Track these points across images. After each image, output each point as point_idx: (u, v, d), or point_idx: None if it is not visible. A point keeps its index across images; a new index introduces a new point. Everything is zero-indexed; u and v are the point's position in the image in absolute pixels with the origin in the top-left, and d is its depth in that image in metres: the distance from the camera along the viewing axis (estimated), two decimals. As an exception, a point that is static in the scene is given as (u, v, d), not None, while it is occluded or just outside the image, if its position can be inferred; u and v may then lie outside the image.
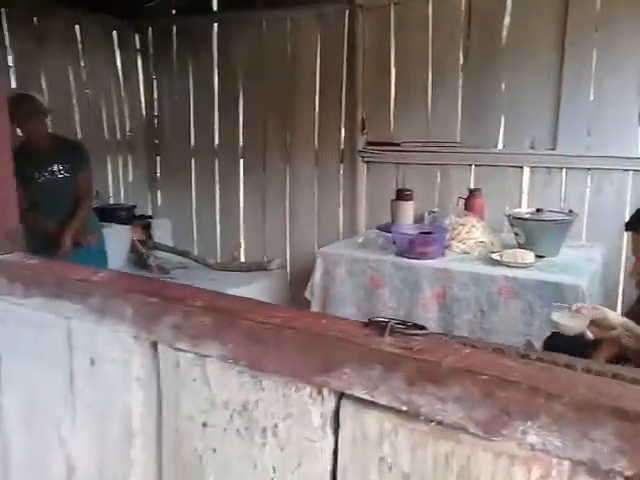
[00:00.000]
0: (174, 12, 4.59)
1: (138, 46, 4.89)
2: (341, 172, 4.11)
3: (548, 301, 2.38)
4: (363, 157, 3.91)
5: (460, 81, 3.56)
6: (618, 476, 0.37)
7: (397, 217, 3.25)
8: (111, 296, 0.60)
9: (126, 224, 3.97)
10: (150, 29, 4.77)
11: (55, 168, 2.88)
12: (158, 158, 5.08)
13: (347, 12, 3.83)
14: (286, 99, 4.19)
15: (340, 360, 0.46)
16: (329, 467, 0.48)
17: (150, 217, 4.52)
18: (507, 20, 3.36)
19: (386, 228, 3.27)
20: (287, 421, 0.49)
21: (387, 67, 3.72)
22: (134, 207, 4.32)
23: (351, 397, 0.46)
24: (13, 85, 3.99)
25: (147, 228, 4.16)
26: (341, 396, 0.47)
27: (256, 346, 0.51)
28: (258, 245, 4.50)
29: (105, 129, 4.74)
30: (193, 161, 4.80)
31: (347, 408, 0.47)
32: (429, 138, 3.68)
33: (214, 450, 0.55)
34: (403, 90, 3.75)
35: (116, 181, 4.86)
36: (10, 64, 3.98)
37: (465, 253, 2.90)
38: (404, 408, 0.43)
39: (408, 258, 2.83)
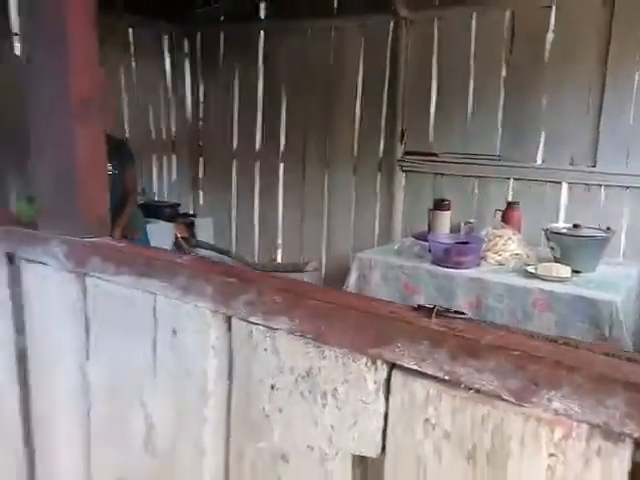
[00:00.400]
0: (222, 19, 4.76)
1: (187, 50, 5.08)
2: (378, 180, 4.19)
3: (582, 315, 2.41)
4: (401, 166, 3.99)
5: (502, 95, 3.61)
6: (627, 437, 0.45)
7: (434, 226, 3.31)
8: (194, 276, 0.70)
9: (170, 221, 4.13)
10: (199, 34, 4.95)
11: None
12: (201, 159, 5.26)
13: (391, 24, 3.92)
14: (327, 107, 4.29)
15: (393, 335, 0.54)
16: (380, 426, 0.56)
17: (193, 215, 4.68)
18: (550, 36, 3.39)
19: (422, 236, 3.33)
20: (345, 386, 0.58)
21: (428, 79, 3.80)
22: (178, 205, 4.49)
23: (401, 367, 0.55)
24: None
25: (190, 226, 4.31)
26: (392, 366, 0.55)
27: (320, 322, 0.60)
28: (295, 247, 4.61)
29: (152, 130, 4.94)
30: (235, 163, 4.95)
31: (397, 377, 0.55)
32: (468, 150, 3.74)
33: (280, 410, 0.64)
34: (443, 102, 3.81)
35: (161, 180, 5.05)
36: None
37: (500, 265, 2.94)
38: (447, 377, 0.52)
39: (444, 267, 2.88)
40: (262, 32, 4.51)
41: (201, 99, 5.10)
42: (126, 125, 4.63)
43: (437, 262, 2.93)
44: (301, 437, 0.63)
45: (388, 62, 3.95)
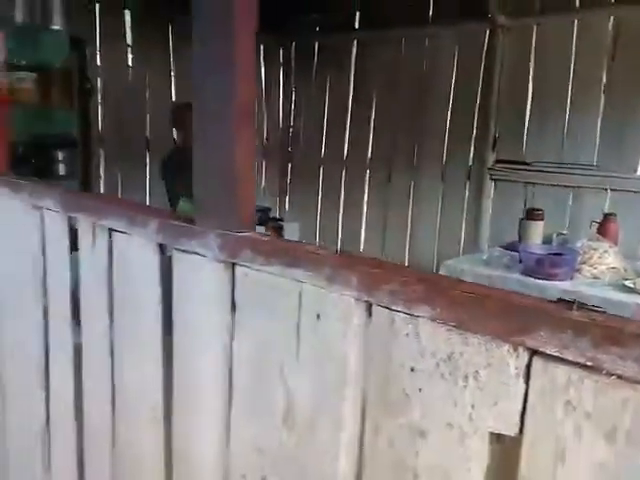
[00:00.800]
0: (317, 29, 4.92)
1: (281, 60, 5.29)
2: (467, 188, 4.17)
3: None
4: (491, 175, 3.96)
5: (601, 102, 3.51)
6: None
7: (525, 236, 3.27)
8: (339, 267, 0.79)
9: (261, 224, 4.32)
10: (294, 44, 5.14)
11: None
12: (289, 165, 5.44)
13: (487, 31, 3.91)
14: (417, 115, 4.33)
15: (536, 325, 0.60)
16: (520, 407, 0.62)
17: (281, 220, 4.86)
18: (656, 42, 3.27)
19: (512, 247, 3.29)
20: (487, 369, 0.64)
21: (524, 86, 3.75)
22: (269, 209, 4.67)
23: (542, 354, 0.60)
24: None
25: (279, 230, 4.48)
26: (534, 353, 0.61)
27: (462, 311, 0.66)
28: (377, 253, 4.67)
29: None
30: (322, 170, 5.08)
31: (538, 362, 0.61)
32: (563, 159, 3.66)
33: (420, 390, 0.71)
34: (539, 109, 3.76)
35: (251, 184, 5.28)
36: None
37: (596, 278, 2.86)
38: (589, 364, 0.57)
39: (535, 278, 2.84)
40: (355, 42, 4.62)
41: (292, 107, 5.29)
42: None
43: (528, 273, 2.90)
44: (440, 415, 0.69)
45: (482, 69, 3.94)
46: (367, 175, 4.79)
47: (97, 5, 3.96)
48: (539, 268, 2.89)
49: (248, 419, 0.95)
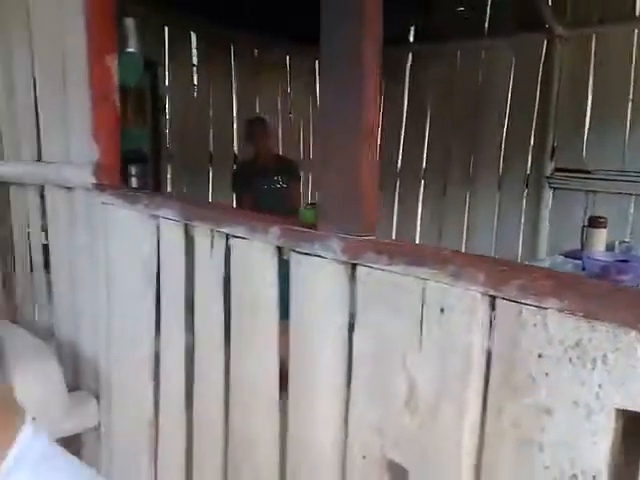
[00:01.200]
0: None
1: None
2: (524, 197, 4.20)
3: None
4: (550, 183, 3.98)
5: (664, 110, 3.50)
6: None
7: (588, 244, 3.27)
8: (465, 265, 0.88)
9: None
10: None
11: (276, 180, 3.40)
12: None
13: (544, 42, 3.95)
14: (473, 125, 4.39)
15: (662, 313, 0.69)
16: (648, 386, 0.70)
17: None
18: None
19: (573, 254, 3.30)
20: (615, 353, 0.73)
21: (583, 95, 3.77)
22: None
23: (669, 339, 0.69)
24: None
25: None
26: (660, 338, 0.69)
27: (590, 302, 0.75)
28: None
29: (301, 148, 5.34)
30: (376, 180, 5.18)
31: (665, 347, 0.69)
32: (625, 167, 3.65)
33: (546, 374, 0.80)
34: (599, 118, 3.76)
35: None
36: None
37: (663, 284, 2.85)
38: None
39: (601, 284, 2.86)
40: (410, 55, 4.72)
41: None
42: (280, 144, 5.05)
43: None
44: (567, 394, 0.78)
45: (539, 79, 3.98)
46: (421, 186, 4.86)
47: (166, 28, 4.20)
48: (604, 275, 2.89)
49: (368, 404, 1.06)
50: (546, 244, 4.07)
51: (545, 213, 4.05)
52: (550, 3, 3.83)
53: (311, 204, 1.95)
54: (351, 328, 1.08)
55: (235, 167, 3.63)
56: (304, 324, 1.17)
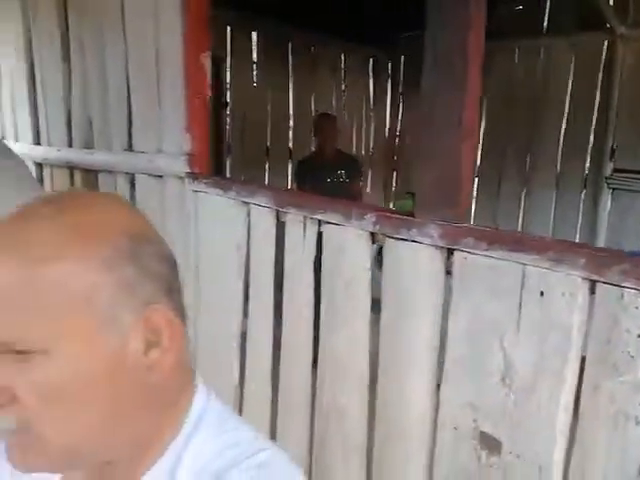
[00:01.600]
0: (427, 43, 5.07)
1: (389, 72, 5.50)
2: (582, 198, 4.17)
3: None
4: (609, 184, 3.94)
5: None
6: None
7: (650, 245, 3.26)
8: (565, 251, 0.96)
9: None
10: (402, 57, 5.33)
11: (339, 174, 3.50)
12: (394, 173, 5.62)
13: (605, 42, 3.91)
14: (530, 124, 4.38)
15: None
16: None
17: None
18: None
19: (633, 255, 3.29)
20: None
21: (647, 96, 3.73)
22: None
23: None
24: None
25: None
26: None
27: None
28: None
29: (354, 145, 5.42)
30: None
31: None
32: (690, 168, 3.60)
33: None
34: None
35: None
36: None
37: None
38: None
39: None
40: (467, 54, 4.73)
41: (399, 117, 5.48)
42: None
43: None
44: (668, 371, 0.84)
45: (600, 79, 3.95)
46: (475, 183, 4.87)
47: (229, 27, 4.34)
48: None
49: (462, 379, 1.14)
50: (604, 245, 4.04)
51: (603, 214, 4.02)
52: (612, 3, 3.80)
53: (408, 193, 2.03)
54: (446, 309, 1.17)
55: (300, 158, 3.74)
56: (399, 305, 1.26)
